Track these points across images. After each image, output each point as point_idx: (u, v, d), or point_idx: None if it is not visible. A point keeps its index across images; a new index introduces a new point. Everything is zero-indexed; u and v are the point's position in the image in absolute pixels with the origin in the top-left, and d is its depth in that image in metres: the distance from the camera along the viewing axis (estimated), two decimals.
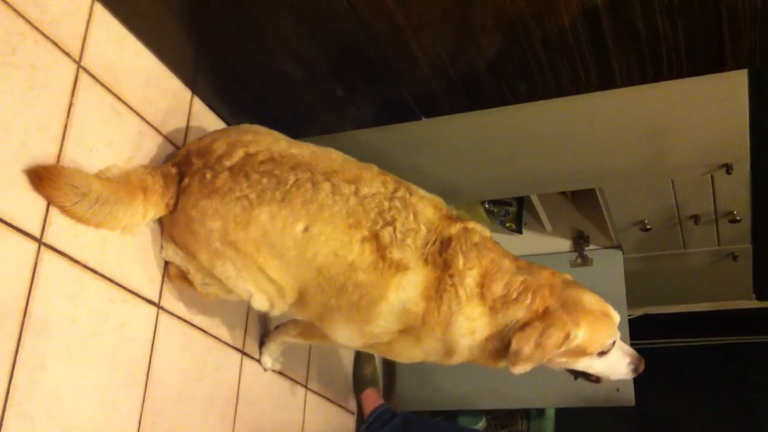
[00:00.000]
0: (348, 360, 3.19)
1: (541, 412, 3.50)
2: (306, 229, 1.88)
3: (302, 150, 1.97)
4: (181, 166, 1.96)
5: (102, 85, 1.90)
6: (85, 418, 1.74)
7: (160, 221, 2.01)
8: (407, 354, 2.03)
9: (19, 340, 1.59)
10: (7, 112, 1.62)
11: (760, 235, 2.94)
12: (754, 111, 2.14)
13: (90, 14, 1.88)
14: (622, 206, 2.84)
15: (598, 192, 2.83)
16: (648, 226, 2.91)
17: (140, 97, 2.04)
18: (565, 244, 3.29)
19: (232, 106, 2.35)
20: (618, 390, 2.95)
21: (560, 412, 3.53)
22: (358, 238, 1.88)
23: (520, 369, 1.88)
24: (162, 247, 2.02)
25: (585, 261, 3.21)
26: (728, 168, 2.38)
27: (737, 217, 2.75)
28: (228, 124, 2.39)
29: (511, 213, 3.29)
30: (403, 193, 1.97)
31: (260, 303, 2.02)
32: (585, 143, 2.34)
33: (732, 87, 2.04)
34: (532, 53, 1.92)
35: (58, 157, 1.74)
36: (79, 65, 1.82)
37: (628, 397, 2.96)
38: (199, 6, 1.94)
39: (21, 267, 1.61)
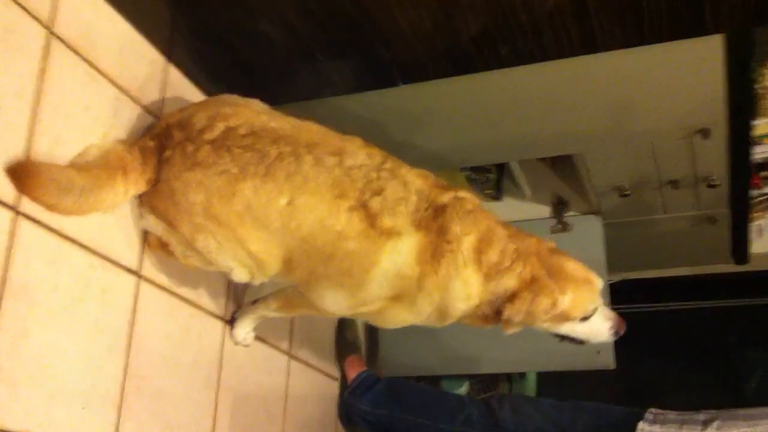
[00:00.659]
0: (331, 327, 3.20)
1: (522, 376, 3.54)
2: (290, 202, 1.88)
3: (282, 123, 1.97)
4: (161, 138, 1.94)
5: (75, 52, 1.87)
6: (68, 383, 1.74)
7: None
8: (399, 319, 2.05)
9: None
10: None
11: (737, 200, 2.96)
12: (730, 76, 2.15)
13: None
14: (602, 172, 2.85)
15: (578, 158, 2.84)
16: (627, 192, 2.92)
17: (115, 63, 2.01)
18: (544, 211, 3.30)
19: (210, 72, 2.33)
20: (598, 353, 2.98)
21: (542, 376, 3.57)
22: (345, 207, 1.88)
23: (510, 332, 1.97)
24: (141, 217, 2.01)
25: (564, 227, 3.22)
26: (706, 132, 2.40)
27: (716, 182, 2.77)
28: (206, 91, 2.37)
29: (491, 180, 3.29)
30: (391, 165, 1.98)
31: (240, 275, 2.03)
32: (566, 108, 2.35)
33: (709, 52, 2.06)
34: (513, 17, 1.92)
35: (33, 121, 1.71)
36: (50, 31, 1.79)
37: (608, 360, 2.99)
38: None
39: None
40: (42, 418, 1.66)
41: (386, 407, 2.95)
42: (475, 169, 3.25)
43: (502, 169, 3.30)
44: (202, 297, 2.30)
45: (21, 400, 1.61)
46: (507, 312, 1.91)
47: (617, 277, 3.90)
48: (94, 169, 1.82)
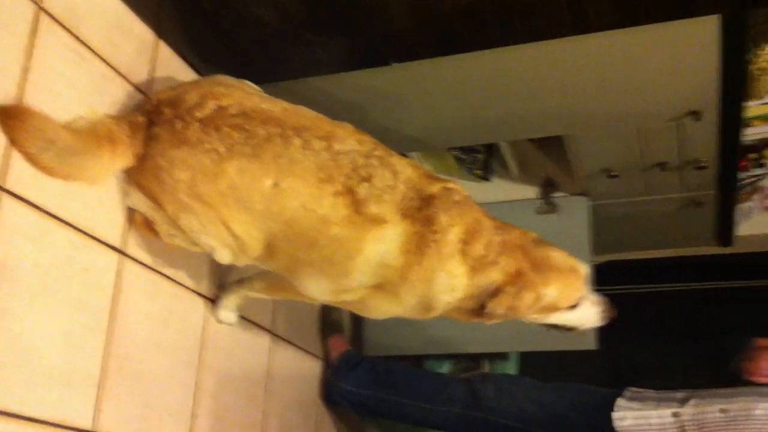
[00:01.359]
0: (315, 306, 3.19)
1: (504, 356, 3.55)
2: (275, 184, 1.85)
3: (274, 106, 1.94)
4: (151, 115, 1.91)
5: (63, 27, 1.83)
6: (50, 363, 1.72)
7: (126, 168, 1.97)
8: (382, 309, 2.04)
9: None
10: None
11: (726, 182, 2.97)
12: (725, 57, 2.14)
13: None
14: (590, 153, 2.86)
15: (566, 139, 2.83)
16: (615, 173, 2.93)
17: (104, 40, 1.97)
18: (532, 191, 3.29)
19: (199, 49, 2.29)
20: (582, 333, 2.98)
21: (525, 357, 3.58)
22: (330, 192, 1.86)
23: (491, 323, 1.97)
24: (127, 194, 1.98)
25: (551, 208, 3.22)
26: (697, 115, 2.39)
27: (703, 164, 2.77)
28: (195, 68, 2.34)
29: (480, 160, 3.28)
30: (381, 153, 1.95)
31: (222, 256, 2.01)
32: (556, 89, 2.34)
33: (703, 33, 2.04)
34: None
35: (20, 99, 1.68)
36: (39, 6, 1.76)
37: (590, 341, 3.00)
38: None
39: None
40: (22, 397, 1.63)
41: (369, 387, 2.96)
42: (464, 150, 3.24)
43: (490, 149, 3.29)
44: (185, 276, 2.27)
45: (1, 380, 1.58)
46: (490, 306, 1.90)
47: (603, 259, 3.91)
48: (83, 134, 1.79)
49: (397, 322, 2.08)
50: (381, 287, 1.95)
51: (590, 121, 2.53)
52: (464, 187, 2.02)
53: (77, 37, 1.88)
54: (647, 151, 2.76)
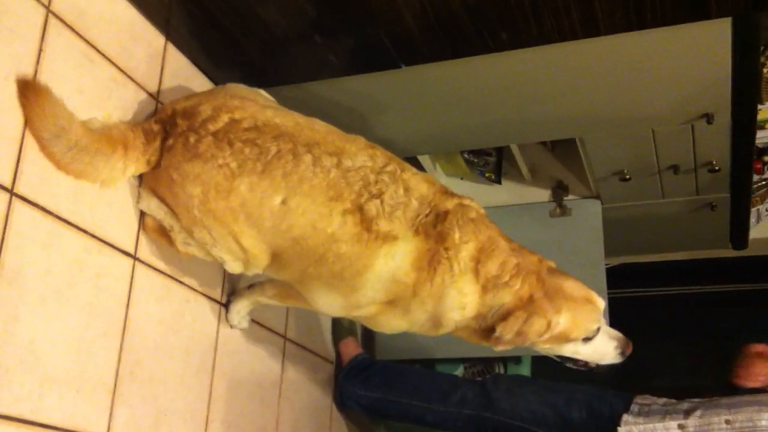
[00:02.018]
0: None
1: (517, 360, 3.53)
2: (284, 202, 1.86)
3: (286, 120, 1.94)
4: (165, 124, 1.92)
5: (73, 30, 1.84)
6: (61, 369, 1.72)
7: (140, 174, 1.98)
8: (392, 325, 2.04)
9: None
10: None
11: (738, 185, 2.95)
12: (736, 60, 2.13)
13: None
14: (602, 156, 2.84)
15: (578, 142, 2.82)
16: (627, 176, 2.91)
17: (113, 44, 1.98)
18: (544, 195, 3.28)
19: (208, 53, 2.30)
20: None
21: (537, 360, 3.56)
22: (339, 210, 1.86)
23: (500, 348, 1.95)
24: (140, 197, 1.99)
25: (564, 211, 3.21)
26: (709, 117, 2.38)
27: (716, 167, 2.75)
28: (205, 72, 2.35)
29: (491, 163, 3.27)
30: (393, 168, 1.94)
31: (234, 268, 2.03)
32: (567, 92, 2.32)
33: (715, 36, 2.03)
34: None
35: None
36: (48, 9, 1.76)
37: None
38: None
39: None
40: (34, 403, 1.64)
41: (380, 390, 2.95)
42: (475, 152, 3.23)
43: (501, 152, 3.28)
44: (197, 280, 2.27)
45: (13, 386, 1.59)
46: (499, 329, 1.89)
47: (616, 261, 3.90)
48: (97, 133, 1.80)
49: None
50: (392, 303, 1.95)
51: (602, 124, 2.51)
52: (480, 204, 2.02)
53: (87, 41, 1.89)
54: (660, 154, 2.74)
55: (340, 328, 3.20)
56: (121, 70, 2.00)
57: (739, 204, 3.10)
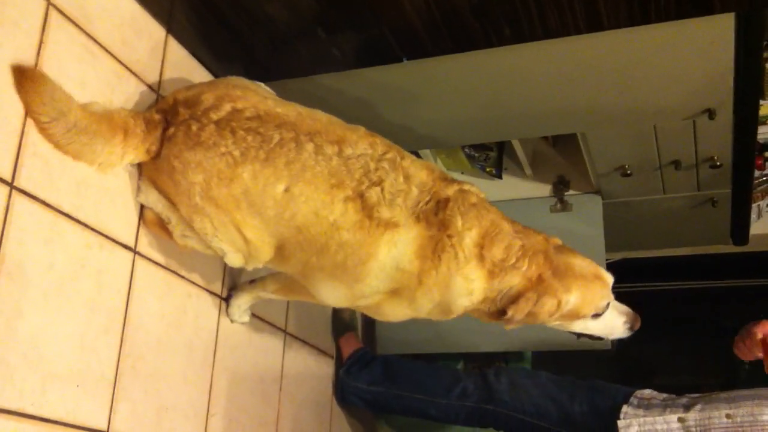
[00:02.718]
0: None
1: (518, 355, 3.54)
2: (287, 190, 1.85)
3: (288, 110, 1.93)
4: (167, 114, 1.92)
5: (74, 23, 1.83)
6: (63, 364, 1.72)
7: (139, 166, 1.98)
8: (398, 314, 2.03)
9: None
10: None
11: (739, 181, 2.95)
12: (739, 56, 2.12)
13: None
14: (603, 151, 2.84)
15: (580, 137, 2.81)
16: (628, 172, 2.91)
17: (115, 38, 1.97)
18: (545, 189, 3.28)
19: (210, 46, 2.29)
20: None
21: (538, 356, 3.57)
22: (340, 197, 1.85)
23: (511, 327, 1.96)
24: (140, 190, 1.98)
25: (564, 206, 3.20)
26: (711, 113, 2.37)
27: (717, 163, 2.75)
28: (206, 65, 2.34)
29: (492, 158, 3.27)
30: (393, 155, 1.94)
31: (234, 260, 2.01)
32: (569, 87, 2.32)
33: (718, 31, 2.02)
34: None
35: None
36: (50, 2, 1.76)
37: (606, 342, 2.98)
38: None
39: None
40: (36, 398, 1.64)
41: (382, 384, 2.95)
42: (476, 147, 3.23)
43: (502, 147, 3.28)
44: (198, 275, 2.27)
45: (15, 381, 1.59)
46: (510, 312, 1.89)
47: (617, 257, 3.90)
48: (97, 116, 1.80)
49: (410, 321, 2.07)
50: (397, 292, 1.94)
51: (604, 119, 2.51)
52: (480, 189, 2.02)
53: (88, 35, 1.88)
54: (661, 149, 2.74)
55: (341, 323, 3.20)
56: (123, 64, 1.99)
57: (740, 200, 3.10)
